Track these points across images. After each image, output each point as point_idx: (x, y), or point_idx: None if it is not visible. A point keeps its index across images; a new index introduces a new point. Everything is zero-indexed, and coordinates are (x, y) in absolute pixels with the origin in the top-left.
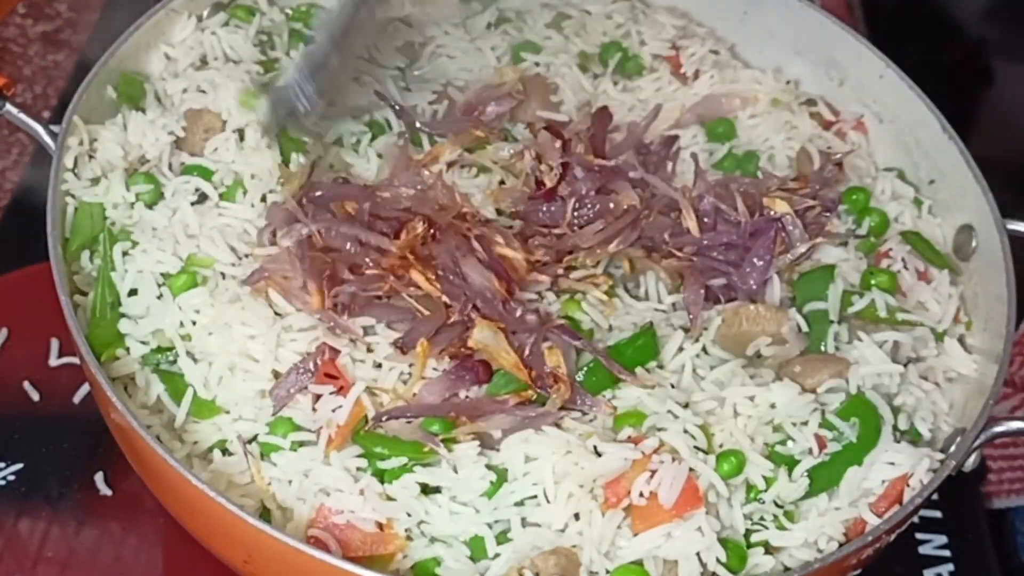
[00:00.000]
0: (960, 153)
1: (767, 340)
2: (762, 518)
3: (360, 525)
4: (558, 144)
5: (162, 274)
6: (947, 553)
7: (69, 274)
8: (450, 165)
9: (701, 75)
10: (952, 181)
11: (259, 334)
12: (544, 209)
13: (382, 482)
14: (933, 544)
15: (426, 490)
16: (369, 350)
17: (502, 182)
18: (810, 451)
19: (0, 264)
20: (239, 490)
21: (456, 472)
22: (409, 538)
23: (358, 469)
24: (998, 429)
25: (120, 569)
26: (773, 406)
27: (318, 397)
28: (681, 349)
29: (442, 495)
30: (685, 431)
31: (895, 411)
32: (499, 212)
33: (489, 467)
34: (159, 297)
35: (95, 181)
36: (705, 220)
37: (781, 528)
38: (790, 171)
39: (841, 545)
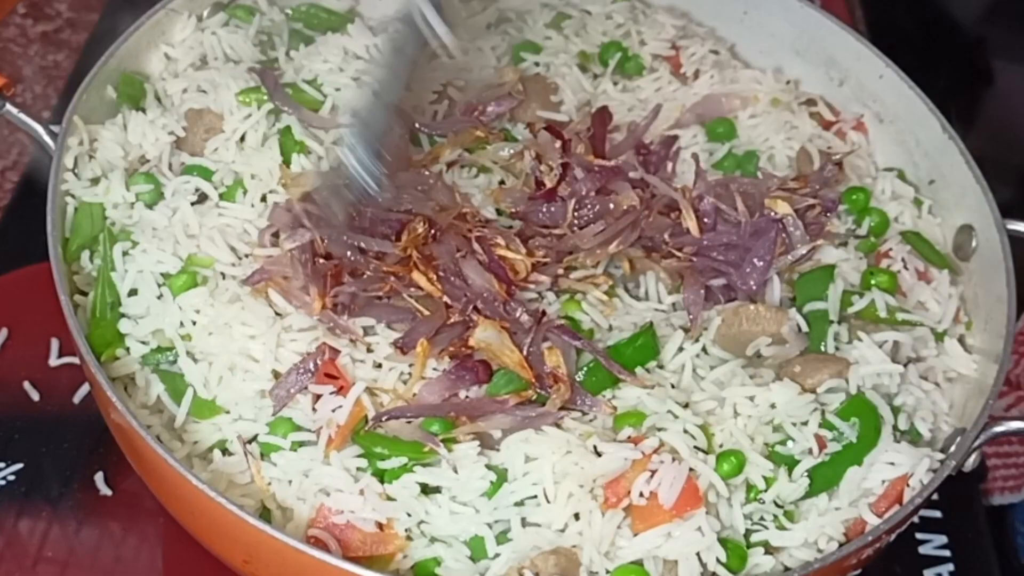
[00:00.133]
0: (960, 153)
1: (767, 340)
2: (762, 518)
3: (360, 525)
4: (558, 144)
5: (162, 274)
6: (947, 553)
7: (69, 274)
8: (450, 165)
9: (701, 75)
10: (952, 181)
11: (259, 334)
12: (544, 209)
13: (382, 482)
14: (933, 544)
15: (426, 490)
16: (369, 350)
17: (502, 182)
18: (810, 451)
19: (0, 264)
20: (239, 490)
21: (456, 472)
22: (409, 538)
23: (358, 469)
24: (998, 429)
25: (120, 569)
26: (773, 406)
27: (318, 397)
28: (681, 349)
29: (442, 495)
30: (685, 431)
31: (895, 411)
32: (499, 212)
33: (489, 467)
34: (159, 297)
35: (95, 181)
36: (705, 220)
37: (781, 528)
38: (790, 171)
39: (841, 545)
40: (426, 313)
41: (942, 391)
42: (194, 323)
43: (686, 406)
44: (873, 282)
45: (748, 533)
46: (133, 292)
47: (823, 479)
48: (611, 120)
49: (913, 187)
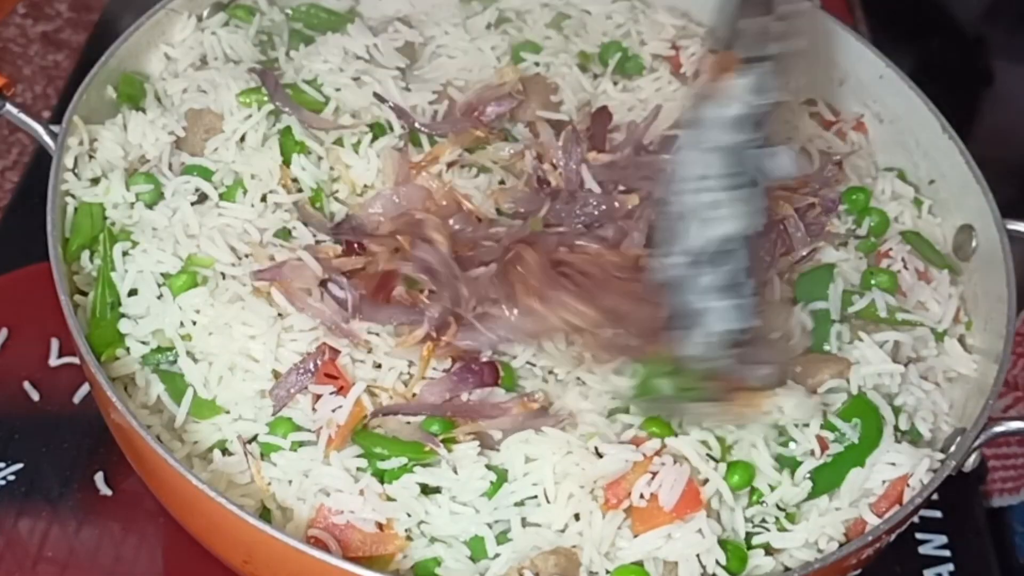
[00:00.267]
0: (960, 153)
1: (777, 334)
2: (763, 520)
3: (360, 525)
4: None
5: (162, 274)
6: (947, 553)
7: (69, 274)
8: (450, 165)
9: (701, 75)
10: (952, 181)
11: (259, 334)
12: (549, 208)
13: (382, 482)
14: (933, 544)
15: (426, 490)
16: (369, 351)
17: (502, 182)
18: (812, 453)
19: (0, 264)
20: (239, 490)
21: (456, 472)
22: (409, 538)
23: (358, 469)
24: (998, 429)
25: (120, 569)
26: (780, 410)
27: (318, 397)
28: None
29: (442, 495)
30: (703, 441)
31: (896, 411)
32: (499, 212)
33: (489, 467)
34: (159, 297)
35: (95, 181)
36: None
37: (782, 530)
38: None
39: (841, 545)
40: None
41: (942, 391)
42: (194, 323)
43: None
44: (873, 282)
45: (749, 535)
46: (133, 292)
47: (825, 480)
48: (611, 120)
49: (913, 187)
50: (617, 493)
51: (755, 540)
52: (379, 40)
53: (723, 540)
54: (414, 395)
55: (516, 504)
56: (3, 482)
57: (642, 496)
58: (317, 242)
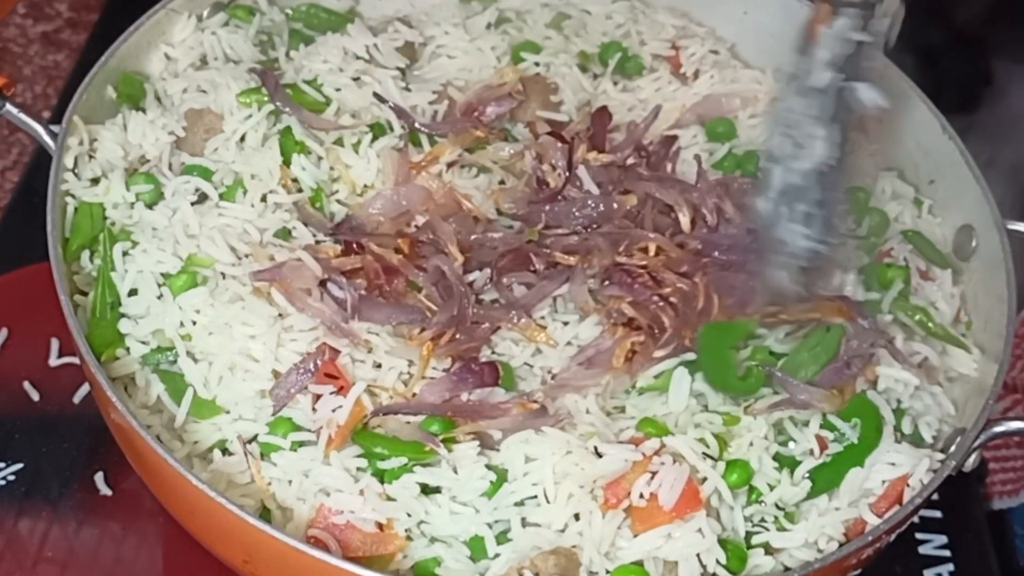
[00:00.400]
0: (960, 153)
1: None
2: (763, 520)
3: (360, 525)
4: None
5: (162, 274)
6: (947, 553)
7: (69, 274)
8: (450, 165)
9: (701, 75)
10: (952, 181)
11: (259, 334)
12: (548, 209)
13: (382, 482)
14: (933, 544)
15: (426, 490)
16: (369, 350)
17: (502, 182)
18: (811, 452)
19: (0, 264)
20: (239, 490)
21: (456, 472)
22: (409, 538)
23: (358, 469)
24: (998, 429)
25: (120, 569)
26: None
27: (318, 397)
28: None
29: (442, 495)
30: (701, 439)
31: (899, 413)
32: (499, 212)
33: (489, 467)
34: (159, 297)
35: (95, 181)
36: (707, 220)
37: (781, 529)
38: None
39: (841, 545)
40: (435, 309)
41: (944, 392)
42: (194, 323)
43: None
44: (890, 275)
45: (749, 535)
46: (133, 292)
47: (824, 480)
48: (611, 120)
49: (913, 187)
50: (617, 493)
51: (755, 539)
52: (379, 40)
53: (723, 539)
54: (414, 395)
55: (516, 504)
56: (3, 482)
57: (642, 496)
58: (317, 242)
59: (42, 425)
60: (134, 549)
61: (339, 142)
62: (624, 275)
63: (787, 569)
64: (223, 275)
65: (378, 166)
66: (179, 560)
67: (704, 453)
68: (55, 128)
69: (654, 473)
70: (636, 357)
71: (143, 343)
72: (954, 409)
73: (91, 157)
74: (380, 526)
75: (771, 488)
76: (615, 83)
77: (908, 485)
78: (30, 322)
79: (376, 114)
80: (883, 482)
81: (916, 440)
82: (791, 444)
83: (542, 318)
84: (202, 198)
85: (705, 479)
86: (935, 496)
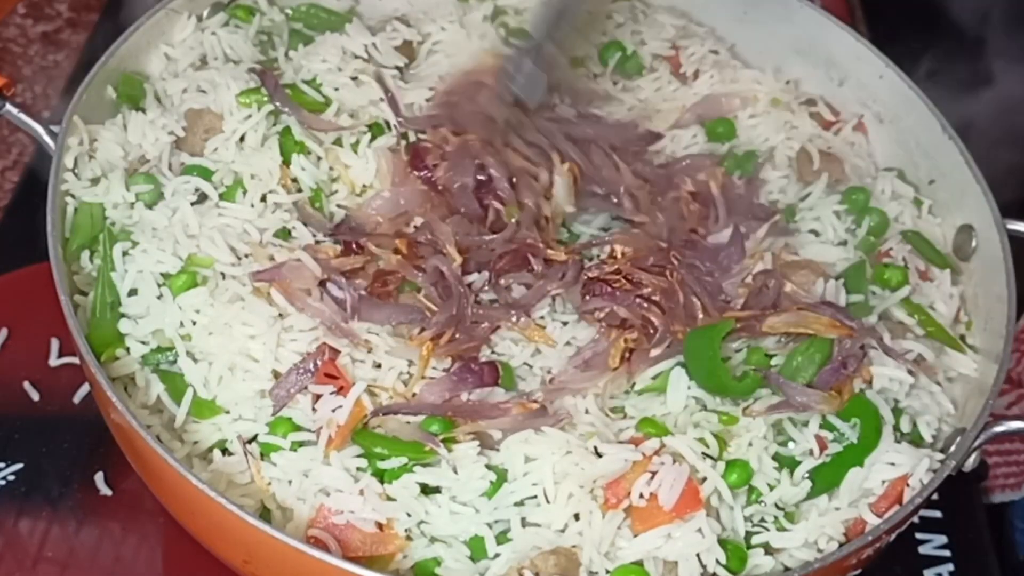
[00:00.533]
0: (960, 153)
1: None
2: (763, 519)
3: (360, 525)
4: None
5: (162, 274)
6: (947, 553)
7: (69, 274)
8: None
9: (701, 75)
10: (952, 181)
11: (259, 334)
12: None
13: (382, 482)
14: (933, 544)
15: (426, 490)
16: (369, 350)
17: None
18: (811, 452)
19: (0, 264)
20: (239, 490)
21: (456, 472)
22: (409, 538)
23: (358, 469)
24: (998, 429)
25: (120, 569)
26: None
27: (318, 397)
28: None
29: (442, 495)
30: (700, 439)
31: (898, 413)
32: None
33: (489, 467)
34: (159, 297)
35: (95, 181)
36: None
37: (781, 529)
38: (790, 171)
39: (841, 545)
40: (435, 309)
41: (944, 391)
42: (194, 323)
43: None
44: (886, 276)
45: (748, 535)
46: (133, 292)
47: (824, 480)
48: None
49: (913, 187)
50: (617, 493)
51: (755, 539)
52: (377, 39)
53: (723, 539)
54: (414, 395)
55: (516, 504)
56: (3, 482)
57: (642, 495)
58: (317, 242)
59: (42, 425)
60: (134, 549)
61: (338, 142)
62: (602, 285)
63: (787, 569)
64: (223, 275)
65: (376, 166)
66: (179, 560)
67: (704, 453)
68: (55, 128)
69: (654, 473)
70: (633, 357)
71: (143, 343)
72: (953, 408)
73: (91, 157)
74: (380, 526)
75: (771, 488)
76: (615, 83)
77: (908, 485)
78: (30, 322)
79: (375, 114)
80: (883, 482)
81: (916, 439)
82: (791, 444)
83: (541, 318)
84: (202, 198)
85: (705, 479)
86: (935, 496)
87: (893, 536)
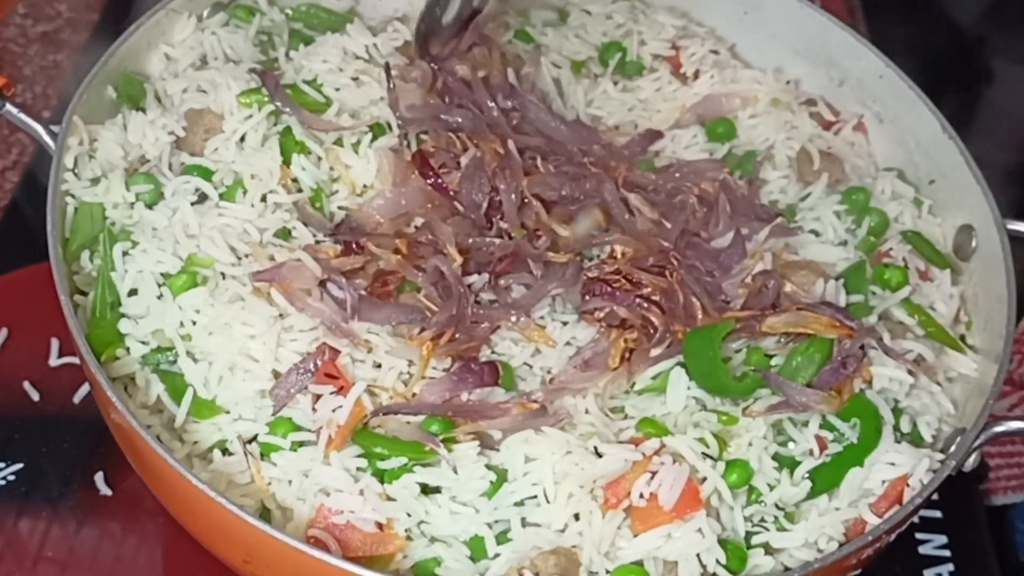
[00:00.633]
0: (960, 153)
1: None
2: (763, 519)
3: (360, 525)
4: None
5: (162, 274)
6: (947, 553)
7: (69, 274)
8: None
9: (701, 75)
10: (952, 181)
11: (259, 334)
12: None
13: (382, 482)
14: (933, 544)
15: (426, 490)
16: (369, 350)
17: None
18: (811, 452)
19: (0, 264)
20: (239, 490)
21: (456, 472)
22: (409, 538)
23: (358, 469)
24: (998, 429)
25: (120, 569)
26: None
27: (318, 397)
28: None
29: (442, 495)
30: (700, 439)
31: (898, 413)
32: None
33: (489, 467)
34: (159, 297)
35: (95, 181)
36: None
37: (781, 529)
38: (790, 171)
39: (841, 545)
40: (435, 309)
41: (943, 391)
42: (194, 323)
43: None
44: (886, 276)
45: (748, 535)
46: (133, 292)
47: (824, 480)
48: None
49: (913, 187)
50: (617, 493)
51: (755, 539)
52: (378, 40)
53: (723, 539)
54: (414, 395)
55: (516, 504)
56: (3, 482)
57: (642, 495)
58: (317, 242)
59: (42, 425)
60: (134, 549)
61: (339, 142)
62: (602, 285)
63: (787, 569)
64: (223, 275)
65: (376, 166)
66: (179, 560)
67: (704, 453)
68: (55, 128)
69: (654, 473)
70: (633, 357)
71: (143, 343)
72: (953, 408)
73: (91, 157)
74: (380, 526)
75: (771, 488)
76: (615, 83)
77: (908, 485)
78: (30, 322)
79: (375, 114)
80: (883, 482)
81: (916, 439)
82: (791, 444)
83: (541, 318)
84: (202, 198)
85: (705, 479)
86: (935, 496)
87: (893, 536)
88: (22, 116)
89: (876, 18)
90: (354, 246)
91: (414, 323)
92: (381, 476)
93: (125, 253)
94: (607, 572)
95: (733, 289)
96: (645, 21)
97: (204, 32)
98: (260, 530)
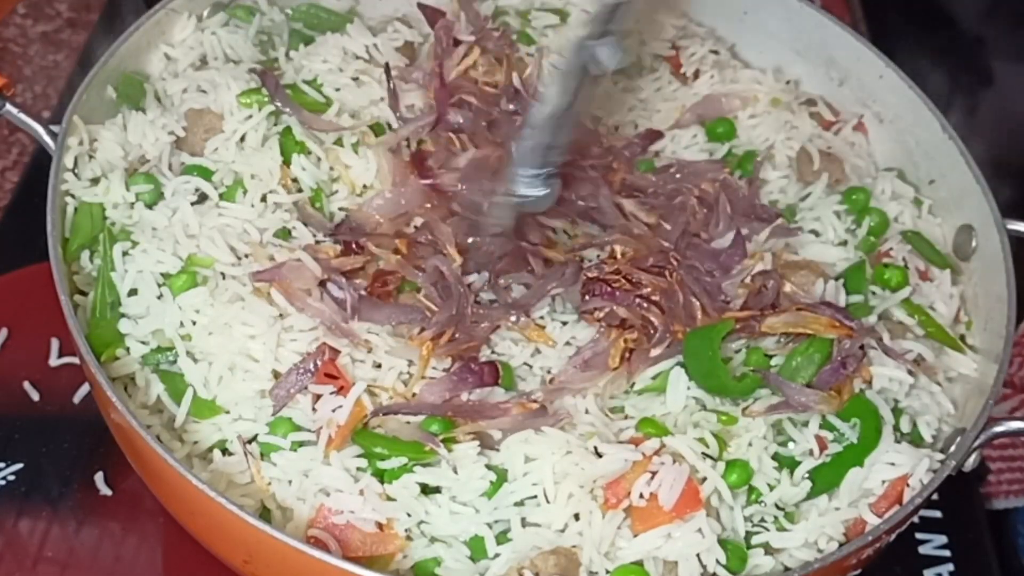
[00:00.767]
0: (960, 153)
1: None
2: (763, 520)
3: (360, 525)
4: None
5: (162, 274)
6: (947, 553)
7: (69, 274)
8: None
9: (701, 75)
10: (952, 181)
11: (259, 334)
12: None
13: (382, 482)
14: (933, 544)
15: (426, 490)
16: (369, 350)
17: None
18: (811, 452)
19: (0, 264)
20: (239, 490)
21: (456, 472)
22: (409, 538)
23: (358, 469)
24: (998, 429)
25: (120, 569)
26: None
27: (318, 397)
28: None
29: (442, 495)
30: (700, 439)
31: (898, 413)
32: None
33: (489, 467)
34: (159, 297)
35: (95, 181)
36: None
37: (781, 529)
38: (790, 171)
39: (841, 545)
40: (435, 309)
41: (943, 391)
42: (194, 323)
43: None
44: (886, 276)
45: (749, 535)
46: (133, 292)
47: (824, 480)
48: None
49: (913, 187)
50: (617, 493)
51: (755, 539)
52: (379, 40)
53: (723, 539)
54: (414, 395)
55: (516, 504)
56: (3, 482)
57: (642, 495)
58: (317, 242)
59: (42, 425)
60: (134, 549)
61: (339, 142)
62: (602, 285)
63: (787, 569)
64: (223, 275)
65: (376, 166)
66: (179, 560)
67: (704, 453)
68: (55, 128)
69: (654, 473)
70: (633, 357)
71: (143, 343)
72: (953, 408)
73: (91, 157)
74: (380, 526)
75: (771, 488)
76: (615, 83)
77: (908, 485)
78: (30, 322)
79: (376, 114)
80: (883, 482)
81: (916, 439)
82: (791, 444)
83: (541, 318)
84: (202, 198)
85: (705, 479)
86: (935, 496)
87: (893, 536)
88: (22, 116)
89: (876, 18)
90: (354, 246)
91: (414, 323)
92: (381, 476)
93: (125, 253)
94: (607, 572)
95: (733, 289)
96: (645, 21)
97: (204, 32)
98: (260, 530)
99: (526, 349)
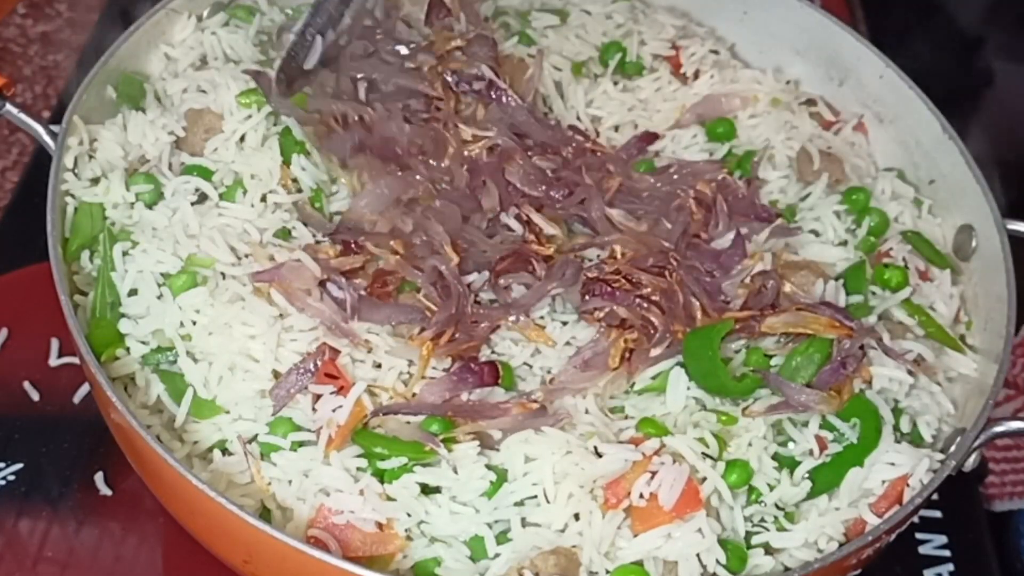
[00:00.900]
0: (960, 153)
1: None
2: (763, 519)
3: (360, 525)
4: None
5: (162, 274)
6: (947, 553)
7: (69, 274)
8: None
9: (701, 75)
10: (952, 181)
11: (259, 334)
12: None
13: (382, 482)
14: (933, 544)
15: (426, 490)
16: (369, 350)
17: None
18: (811, 452)
19: (0, 264)
20: (239, 490)
21: (456, 472)
22: (409, 538)
23: (358, 469)
24: (998, 429)
25: (120, 569)
26: None
27: (318, 397)
28: None
29: (442, 495)
30: (700, 439)
31: (898, 413)
32: None
33: (489, 467)
34: (159, 297)
35: (95, 181)
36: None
37: (781, 529)
38: (790, 171)
39: (841, 545)
40: (434, 309)
41: (943, 392)
42: (194, 323)
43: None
44: (886, 276)
45: (749, 535)
46: (133, 292)
47: (824, 480)
48: None
49: (913, 187)
50: (617, 493)
51: (755, 539)
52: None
53: (723, 539)
54: (414, 395)
55: (516, 504)
56: (3, 482)
57: (642, 495)
58: (317, 242)
59: (42, 425)
60: (134, 549)
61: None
62: (602, 285)
63: (787, 569)
64: (223, 275)
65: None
66: (179, 560)
67: (704, 453)
68: (55, 128)
69: (654, 473)
70: (633, 357)
71: (143, 343)
72: (953, 408)
73: (91, 157)
74: (380, 526)
75: (771, 488)
76: (615, 83)
77: (908, 485)
78: (30, 322)
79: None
80: (883, 482)
81: (916, 439)
82: (791, 444)
83: (541, 318)
84: (202, 198)
85: (705, 479)
86: (935, 496)
87: (893, 536)
88: (22, 116)
89: (876, 18)
90: (353, 246)
91: (414, 323)
92: (381, 476)
93: (125, 253)
94: (607, 572)
95: (733, 289)
96: (645, 21)
97: (204, 32)
98: (260, 530)
99: (526, 349)
